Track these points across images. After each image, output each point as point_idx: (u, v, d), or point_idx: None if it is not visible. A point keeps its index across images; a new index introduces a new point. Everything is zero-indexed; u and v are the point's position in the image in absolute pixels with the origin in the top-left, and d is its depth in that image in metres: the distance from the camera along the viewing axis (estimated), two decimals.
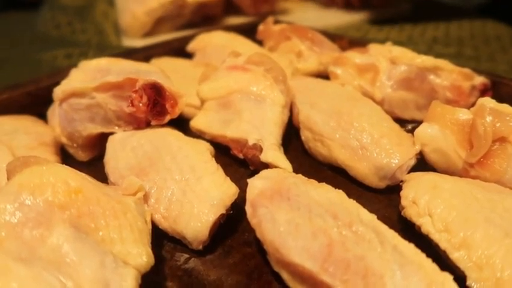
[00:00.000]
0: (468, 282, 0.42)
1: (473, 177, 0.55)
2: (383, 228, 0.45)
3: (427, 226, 0.47)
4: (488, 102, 0.56)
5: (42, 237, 0.41)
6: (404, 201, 0.51)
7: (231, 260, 0.52)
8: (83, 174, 0.48)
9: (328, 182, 0.51)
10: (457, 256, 0.44)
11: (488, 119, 0.54)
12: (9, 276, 0.38)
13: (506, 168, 0.53)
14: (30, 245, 0.40)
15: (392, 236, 0.44)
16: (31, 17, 1.46)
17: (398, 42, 0.82)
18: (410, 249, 0.42)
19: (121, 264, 0.41)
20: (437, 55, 0.77)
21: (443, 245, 0.45)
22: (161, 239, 0.54)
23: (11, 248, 0.40)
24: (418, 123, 0.63)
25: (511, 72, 1.01)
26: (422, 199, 0.49)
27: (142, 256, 0.43)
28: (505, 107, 0.56)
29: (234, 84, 0.68)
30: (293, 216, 0.45)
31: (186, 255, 0.52)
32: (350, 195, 0.49)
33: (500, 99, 0.59)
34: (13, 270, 0.38)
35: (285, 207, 0.46)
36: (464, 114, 0.57)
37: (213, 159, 0.59)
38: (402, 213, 0.52)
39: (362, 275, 0.40)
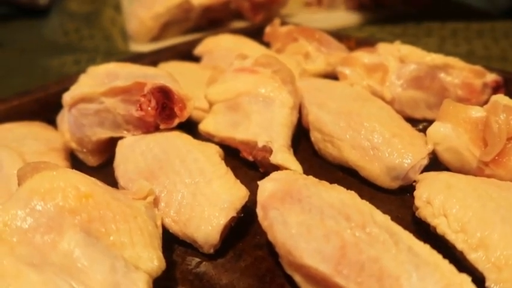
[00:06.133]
0: (487, 284, 0.41)
1: (488, 176, 0.53)
2: (397, 229, 0.44)
3: (443, 227, 0.46)
4: (502, 99, 0.55)
5: (54, 243, 0.41)
6: (418, 202, 0.50)
7: (243, 263, 0.51)
8: (93, 178, 0.48)
9: (339, 183, 0.50)
10: (474, 257, 0.43)
11: (502, 116, 0.53)
12: (21, 281, 0.38)
13: None
14: (41, 250, 0.40)
15: (407, 237, 0.43)
16: (39, 24, 1.48)
17: (406, 43, 0.81)
18: (425, 250, 0.41)
19: (132, 269, 0.41)
20: (448, 54, 0.76)
21: (460, 245, 0.44)
22: (172, 243, 0.53)
23: (23, 253, 0.40)
24: (429, 122, 0.62)
25: None
26: (436, 199, 0.48)
27: (153, 260, 0.43)
28: None
29: (242, 86, 0.67)
30: (305, 218, 0.45)
31: (197, 259, 0.52)
32: (362, 196, 0.48)
33: None
34: (25, 275, 0.38)
35: (296, 209, 0.46)
36: (477, 112, 0.56)
37: (223, 162, 0.58)
38: (416, 214, 0.51)
39: (377, 277, 0.39)
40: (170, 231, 0.52)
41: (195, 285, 0.49)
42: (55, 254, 0.40)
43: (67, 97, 0.65)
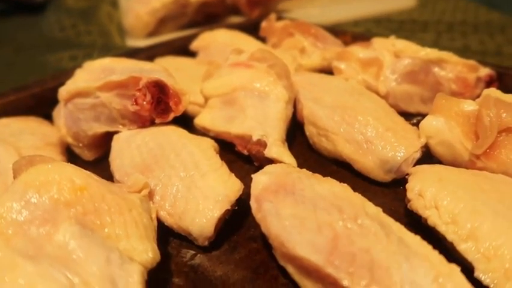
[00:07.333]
0: (476, 274, 0.42)
1: (480, 169, 0.54)
2: (389, 220, 0.44)
3: (434, 218, 0.47)
4: (493, 92, 0.56)
5: (49, 235, 0.41)
6: (410, 194, 0.51)
7: (237, 255, 0.52)
8: (88, 172, 0.48)
9: (333, 177, 0.51)
10: (464, 247, 0.43)
11: (494, 109, 0.54)
12: (16, 272, 0.38)
13: None
14: (37, 242, 0.41)
15: (398, 228, 0.43)
16: (36, 20, 1.48)
17: (403, 38, 0.81)
18: (416, 241, 0.42)
19: (127, 261, 0.42)
20: (443, 49, 0.76)
21: (450, 236, 0.45)
22: (167, 236, 0.54)
23: (19, 245, 0.40)
24: (423, 116, 0.62)
25: None
26: (428, 191, 0.49)
27: (148, 252, 0.43)
28: (510, 97, 0.55)
29: (237, 81, 0.68)
30: (298, 210, 0.45)
31: (192, 252, 0.53)
32: (355, 189, 0.49)
33: (506, 90, 0.58)
34: (21, 267, 0.38)
35: (289, 201, 0.46)
36: (469, 106, 0.57)
37: (217, 155, 0.59)
38: (408, 206, 0.51)
39: (368, 268, 0.40)
40: (166, 224, 0.53)
41: (189, 277, 0.49)
42: (50, 246, 0.41)
43: (63, 92, 0.65)
